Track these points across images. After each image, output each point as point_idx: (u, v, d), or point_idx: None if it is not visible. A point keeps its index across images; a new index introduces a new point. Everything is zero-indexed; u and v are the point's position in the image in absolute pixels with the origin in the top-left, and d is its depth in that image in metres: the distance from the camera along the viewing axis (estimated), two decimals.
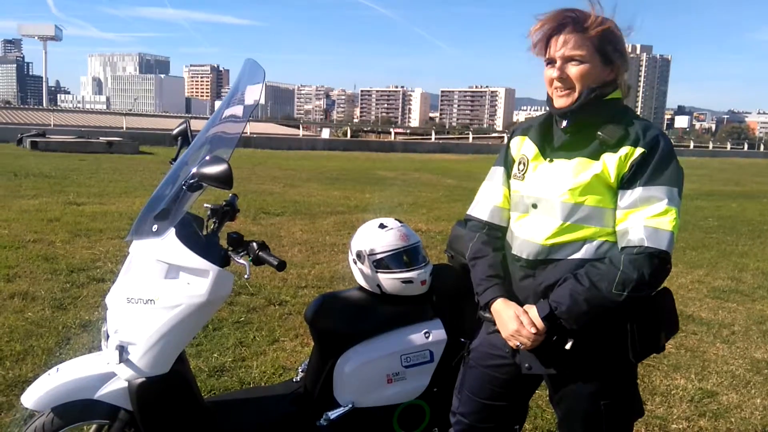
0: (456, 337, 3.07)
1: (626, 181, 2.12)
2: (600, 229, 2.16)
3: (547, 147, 2.29)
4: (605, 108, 2.19)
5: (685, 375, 5.00)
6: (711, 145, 67.96)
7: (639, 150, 2.10)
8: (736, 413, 4.40)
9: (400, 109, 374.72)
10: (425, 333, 3.06)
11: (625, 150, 2.12)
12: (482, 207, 2.49)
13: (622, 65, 2.21)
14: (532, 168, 2.30)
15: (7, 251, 7.54)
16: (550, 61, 2.18)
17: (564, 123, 2.24)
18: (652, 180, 2.09)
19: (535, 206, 2.25)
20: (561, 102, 2.19)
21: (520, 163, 2.36)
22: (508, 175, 2.44)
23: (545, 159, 2.27)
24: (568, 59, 2.14)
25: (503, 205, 2.44)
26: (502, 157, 2.49)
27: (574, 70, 2.13)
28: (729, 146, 71.65)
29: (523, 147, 2.39)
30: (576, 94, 2.16)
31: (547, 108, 2.31)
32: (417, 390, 3.09)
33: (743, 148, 70.91)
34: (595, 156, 2.16)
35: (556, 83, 2.17)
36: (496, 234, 2.44)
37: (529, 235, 2.26)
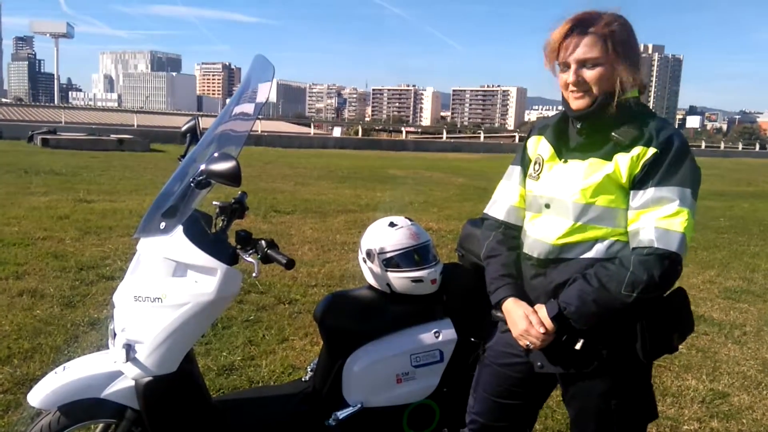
0: (466, 337, 3.04)
1: (638, 182, 2.11)
2: (612, 229, 2.15)
3: (563, 148, 2.28)
4: (620, 108, 2.15)
5: (696, 376, 4.97)
6: (722, 145, 67.78)
7: (651, 150, 2.08)
8: (747, 414, 4.37)
9: (411, 108, 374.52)
10: (435, 332, 3.03)
11: (637, 150, 2.10)
12: (499, 206, 2.50)
13: (637, 63, 2.17)
14: (547, 168, 2.29)
15: (16, 248, 7.56)
16: (564, 66, 2.16)
17: (579, 125, 2.23)
18: (664, 181, 2.07)
19: (548, 206, 2.25)
20: (577, 104, 2.17)
21: (535, 163, 2.35)
22: (525, 175, 2.43)
23: (560, 160, 2.26)
24: (582, 63, 2.11)
25: (519, 204, 2.44)
26: (520, 157, 2.48)
27: (589, 73, 2.11)
28: (741, 146, 71.38)
29: (539, 147, 2.37)
30: (593, 96, 2.13)
31: (562, 108, 2.29)
32: (426, 390, 3.06)
33: (755, 149, 70.70)
34: (608, 157, 2.14)
35: (571, 87, 2.15)
36: (511, 233, 2.44)
37: (540, 235, 2.26)
